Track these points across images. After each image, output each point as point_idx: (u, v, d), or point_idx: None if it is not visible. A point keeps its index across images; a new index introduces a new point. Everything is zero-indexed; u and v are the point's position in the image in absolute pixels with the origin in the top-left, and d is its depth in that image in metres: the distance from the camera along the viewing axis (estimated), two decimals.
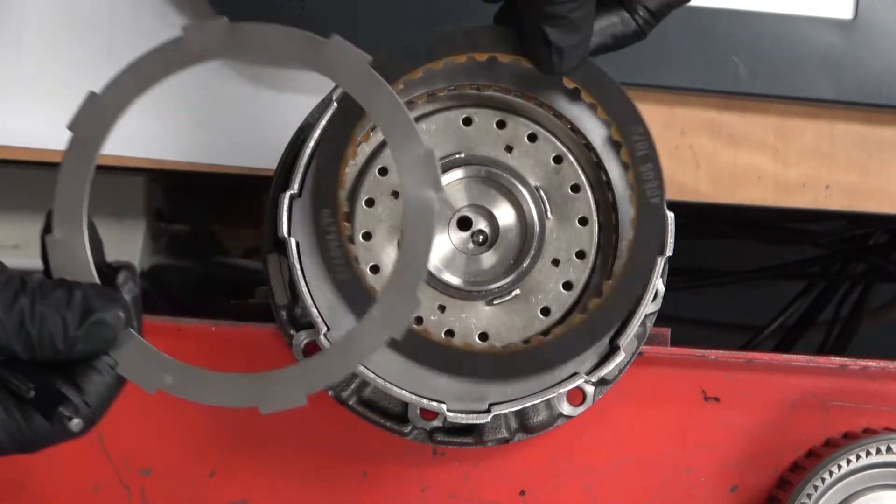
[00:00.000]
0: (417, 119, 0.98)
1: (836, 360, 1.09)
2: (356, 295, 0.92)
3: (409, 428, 1.02)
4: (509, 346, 0.95)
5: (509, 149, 0.98)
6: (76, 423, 0.81)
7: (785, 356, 1.09)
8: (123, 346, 0.83)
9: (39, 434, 0.82)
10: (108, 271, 0.85)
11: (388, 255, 0.97)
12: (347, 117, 0.94)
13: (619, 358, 0.96)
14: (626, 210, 0.98)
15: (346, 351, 0.84)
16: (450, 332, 0.96)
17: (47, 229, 0.84)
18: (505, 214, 0.98)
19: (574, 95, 0.96)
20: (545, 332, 0.95)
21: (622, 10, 0.92)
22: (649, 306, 0.98)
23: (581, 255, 0.98)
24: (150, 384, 0.84)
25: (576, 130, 0.98)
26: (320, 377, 0.84)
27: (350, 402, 1.02)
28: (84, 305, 0.81)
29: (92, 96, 0.86)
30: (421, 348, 0.93)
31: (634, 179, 0.94)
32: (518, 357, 0.93)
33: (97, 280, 0.84)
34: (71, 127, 0.86)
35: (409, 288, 0.83)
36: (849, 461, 1.03)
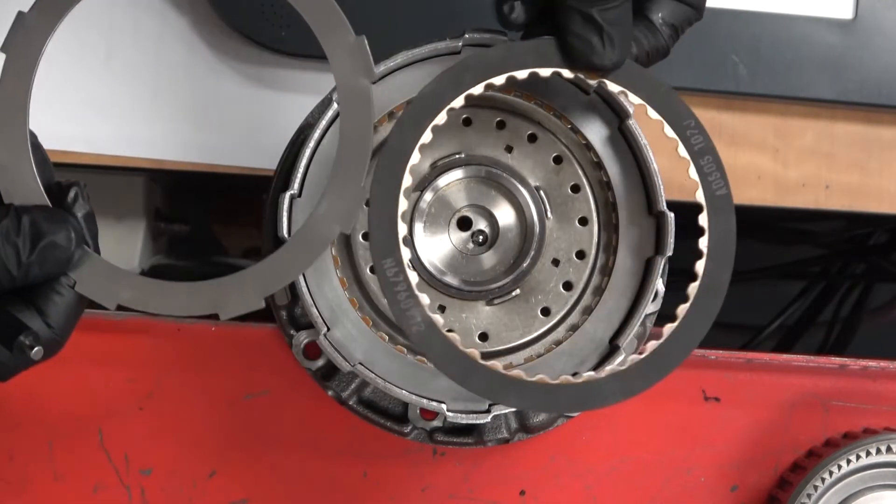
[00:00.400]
0: None
1: (836, 360, 1.09)
2: (435, 343, 0.87)
3: (409, 428, 1.02)
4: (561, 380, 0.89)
5: (509, 149, 0.98)
6: (37, 350, 0.81)
7: (785, 356, 1.09)
8: (81, 265, 0.83)
9: (4, 363, 0.83)
10: (57, 191, 0.85)
11: None
12: (399, 154, 0.89)
13: (619, 358, 0.96)
14: (627, 210, 0.98)
15: (297, 249, 0.84)
16: (450, 333, 0.96)
17: None
18: (505, 214, 0.98)
19: (584, 95, 0.95)
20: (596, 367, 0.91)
21: (646, 26, 0.92)
22: (649, 306, 0.98)
23: (581, 255, 0.98)
24: (109, 299, 0.84)
25: (576, 130, 0.98)
26: (275, 278, 0.84)
27: (350, 402, 1.02)
28: (34, 230, 0.81)
29: (20, 16, 0.85)
30: (470, 371, 0.87)
31: (698, 173, 0.92)
32: (569, 389, 0.88)
33: (47, 201, 0.84)
34: (3, 49, 0.85)
35: (353, 179, 0.83)
36: (849, 461, 1.03)
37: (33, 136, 0.85)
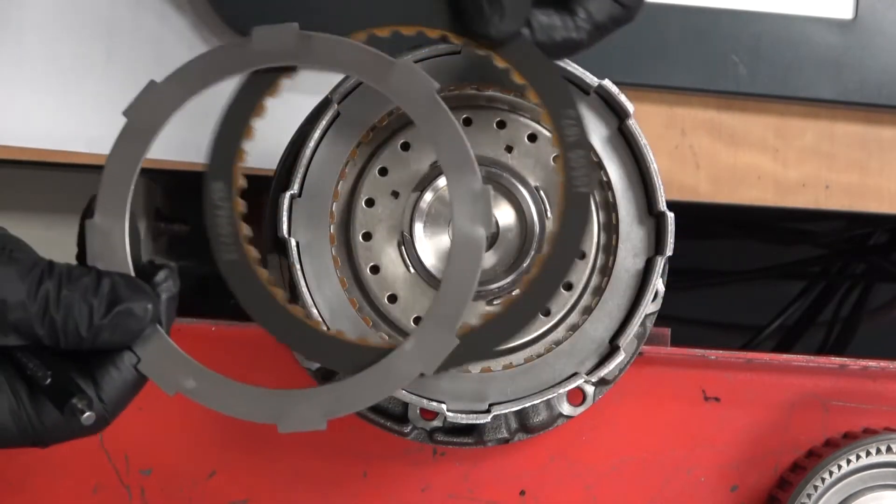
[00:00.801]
0: None
1: (836, 360, 1.09)
2: (243, 277, 0.86)
3: (409, 428, 1.02)
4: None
5: (509, 149, 0.98)
6: (88, 416, 0.78)
7: (785, 356, 1.09)
8: (148, 344, 0.81)
9: (50, 427, 0.80)
10: (148, 268, 0.83)
11: (388, 256, 0.97)
12: (258, 84, 0.87)
13: (619, 358, 0.96)
14: (627, 210, 0.98)
15: (373, 381, 0.82)
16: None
17: (89, 214, 0.83)
18: (505, 214, 0.98)
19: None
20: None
21: (567, 15, 0.87)
22: (649, 306, 0.98)
23: (581, 255, 0.98)
24: (171, 386, 0.82)
25: None
26: (343, 404, 0.82)
27: None
28: (112, 294, 0.79)
29: (151, 85, 0.84)
30: (271, 312, 0.86)
31: (563, 167, 0.88)
32: (368, 352, 0.86)
33: (131, 271, 0.82)
34: (126, 113, 0.84)
35: (447, 324, 0.82)
36: (849, 461, 1.03)
37: (131, 208, 0.84)
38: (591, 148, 0.89)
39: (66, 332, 0.78)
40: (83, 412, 0.78)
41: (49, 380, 0.78)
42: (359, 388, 0.83)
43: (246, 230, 0.86)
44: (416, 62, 0.97)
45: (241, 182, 0.87)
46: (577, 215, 0.88)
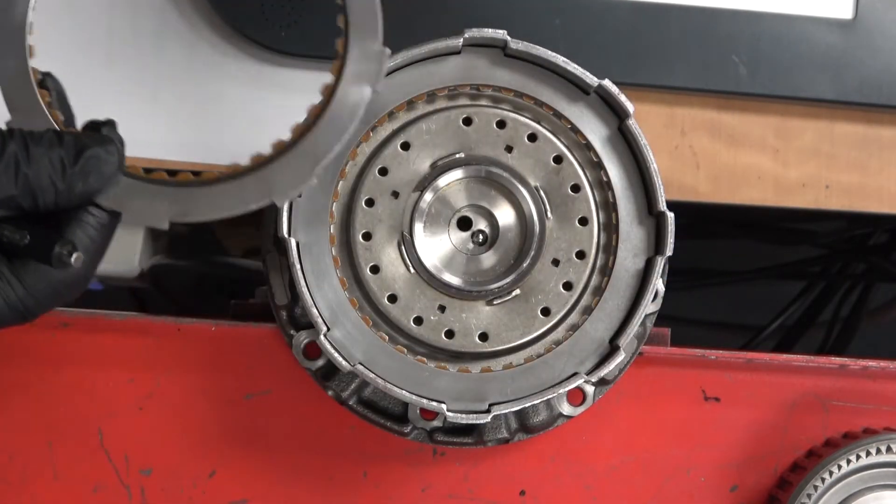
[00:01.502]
0: (417, 119, 0.98)
1: (836, 360, 1.09)
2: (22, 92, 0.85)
3: (409, 428, 1.02)
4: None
5: (509, 149, 0.98)
6: (77, 256, 0.79)
7: (785, 356, 1.09)
8: (117, 188, 0.83)
9: (32, 288, 0.81)
10: (90, 124, 0.84)
11: (388, 256, 0.97)
12: None
13: (619, 358, 0.96)
14: (626, 210, 0.98)
15: (336, 120, 0.85)
16: (450, 333, 0.96)
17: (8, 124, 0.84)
18: (505, 214, 0.98)
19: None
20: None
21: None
22: (649, 306, 0.98)
23: (581, 255, 0.98)
24: (157, 218, 0.84)
25: (576, 130, 0.98)
26: (321, 150, 0.84)
27: (350, 402, 1.02)
28: (77, 144, 0.80)
29: None
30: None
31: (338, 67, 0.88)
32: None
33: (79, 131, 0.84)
34: None
35: (370, 40, 0.85)
36: (849, 461, 1.03)
37: (55, 82, 0.86)
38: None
39: (41, 188, 0.79)
40: (70, 255, 0.79)
41: (28, 238, 0.79)
42: (328, 132, 0.85)
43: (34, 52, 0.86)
44: (415, 62, 0.97)
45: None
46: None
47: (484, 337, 0.97)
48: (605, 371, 0.95)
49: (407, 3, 1.16)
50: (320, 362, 1.01)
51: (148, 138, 1.19)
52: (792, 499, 1.03)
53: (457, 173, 0.98)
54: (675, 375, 1.08)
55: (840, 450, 1.03)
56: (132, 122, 1.20)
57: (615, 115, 0.98)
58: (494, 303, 0.97)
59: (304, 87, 1.19)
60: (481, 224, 0.99)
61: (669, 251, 0.96)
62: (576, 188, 0.98)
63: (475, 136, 0.98)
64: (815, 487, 1.03)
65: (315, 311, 0.95)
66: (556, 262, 0.98)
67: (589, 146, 0.98)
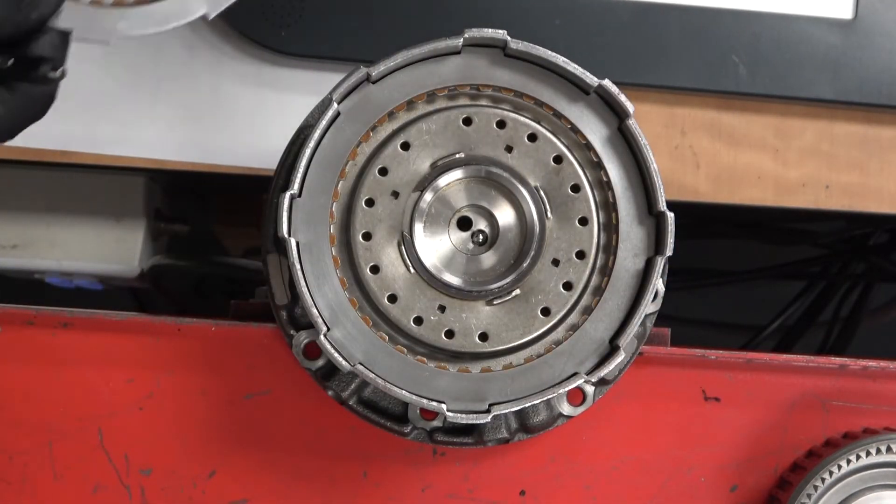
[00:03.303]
0: (417, 119, 0.98)
1: (836, 360, 1.09)
2: None
3: (409, 428, 1.02)
4: None
5: (509, 149, 0.98)
6: (62, 70, 0.88)
7: (785, 356, 1.09)
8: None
9: (15, 109, 0.88)
10: None
11: (388, 256, 0.97)
12: None
13: (619, 358, 0.96)
14: (627, 210, 0.98)
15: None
16: (450, 333, 0.96)
17: None
18: (505, 214, 0.98)
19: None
20: None
21: None
22: (649, 306, 0.98)
23: (581, 255, 0.98)
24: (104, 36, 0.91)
25: (576, 130, 0.98)
26: None
27: (350, 402, 1.02)
28: None
29: None
30: None
31: None
32: None
33: None
34: None
35: None
36: (849, 461, 1.03)
37: None
38: None
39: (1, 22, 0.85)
40: (56, 69, 0.87)
41: (11, 60, 0.86)
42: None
43: None
44: (415, 62, 0.97)
45: None
46: None
47: (484, 337, 0.97)
48: (605, 371, 0.95)
49: (407, 3, 1.16)
50: (320, 362, 1.01)
51: (148, 138, 1.19)
52: (792, 499, 1.03)
53: (457, 173, 0.98)
54: (675, 375, 1.08)
55: (840, 450, 1.03)
56: (132, 122, 1.20)
57: (615, 115, 0.98)
58: (494, 303, 0.97)
59: (304, 87, 1.19)
60: (481, 224, 0.99)
61: (669, 251, 0.96)
62: (576, 188, 0.98)
63: (475, 136, 0.98)
64: (815, 487, 1.03)
65: (315, 311, 0.95)
66: (556, 262, 0.98)
67: (589, 146, 0.98)
